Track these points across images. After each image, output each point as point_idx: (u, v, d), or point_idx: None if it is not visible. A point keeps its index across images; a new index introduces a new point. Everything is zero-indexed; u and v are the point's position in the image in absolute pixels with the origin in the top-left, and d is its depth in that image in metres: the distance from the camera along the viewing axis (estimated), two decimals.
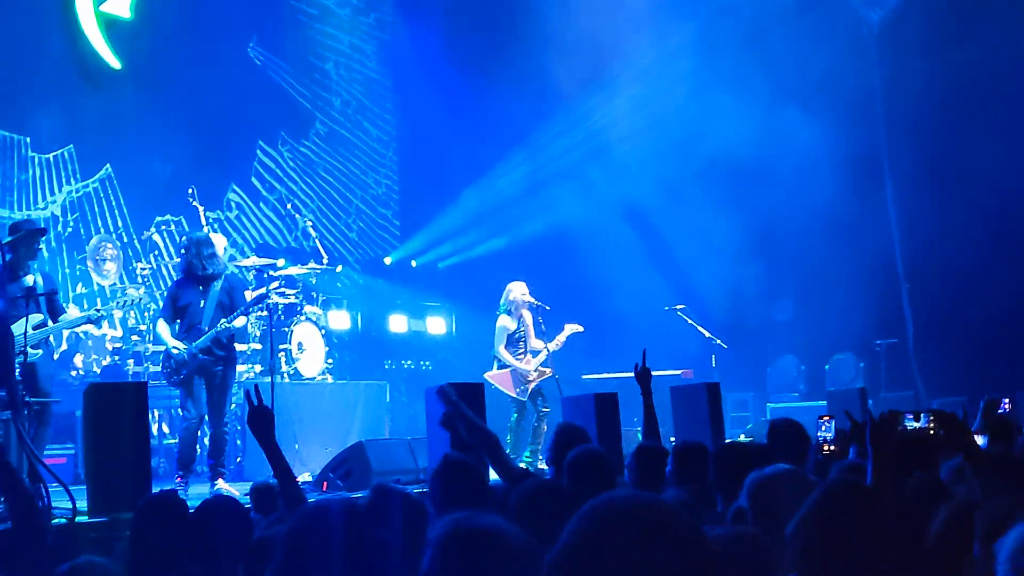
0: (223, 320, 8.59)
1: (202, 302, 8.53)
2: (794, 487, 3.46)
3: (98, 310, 8.33)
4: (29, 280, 7.85)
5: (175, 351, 8.37)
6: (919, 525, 3.29)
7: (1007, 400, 6.65)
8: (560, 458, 5.15)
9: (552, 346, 10.96)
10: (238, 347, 10.71)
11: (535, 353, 11.01)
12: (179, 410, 9.17)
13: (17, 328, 7.62)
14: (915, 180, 14.18)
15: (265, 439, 3.90)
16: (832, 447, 5.24)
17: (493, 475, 5.30)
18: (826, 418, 5.46)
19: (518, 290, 11.06)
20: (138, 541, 4.16)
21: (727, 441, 7.43)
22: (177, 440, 8.92)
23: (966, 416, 4.74)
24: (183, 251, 8.76)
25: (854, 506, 2.65)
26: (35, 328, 7.70)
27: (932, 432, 4.67)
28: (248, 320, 10.65)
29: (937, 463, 4.50)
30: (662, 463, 5.21)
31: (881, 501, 2.73)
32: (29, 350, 7.64)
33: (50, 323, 7.86)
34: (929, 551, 3.21)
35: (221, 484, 8.24)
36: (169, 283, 10.20)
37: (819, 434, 5.37)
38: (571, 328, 11.09)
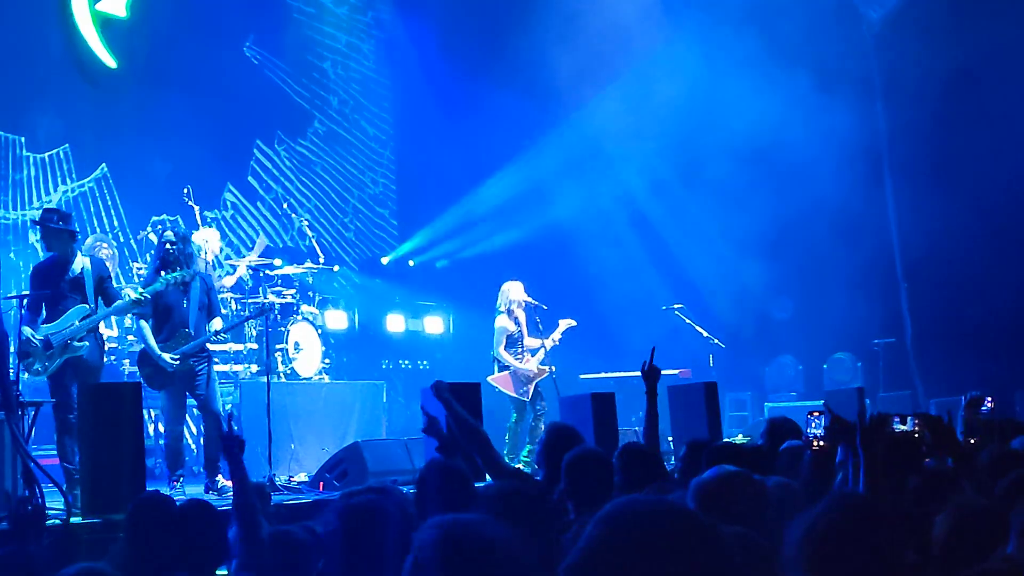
0: (221, 332, 8.57)
1: (185, 303, 8.40)
2: (737, 490, 3.43)
3: (143, 293, 8.14)
4: (77, 267, 7.84)
5: (171, 365, 8.24)
6: (924, 529, 3.27)
7: (990, 399, 6.58)
8: (552, 459, 5.12)
9: (549, 343, 10.97)
10: (234, 347, 10.73)
11: (533, 352, 11.01)
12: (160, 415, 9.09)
13: (64, 322, 7.66)
14: (915, 179, 14.17)
15: (236, 464, 3.91)
16: (822, 443, 5.22)
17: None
18: (816, 413, 5.43)
19: (515, 290, 11.07)
20: (130, 542, 4.14)
21: (720, 442, 7.38)
22: (164, 445, 8.82)
23: (951, 419, 4.72)
24: (168, 246, 8.43)
25: (861, 514, 2.63)
26: (81, 320, 7.69)
27: (917, 435, 4.65)
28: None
29: (923, 466, 4.48)
30: (649, 464, 5.17)
31: (884, 507, 2.70)
32: (75, 343, 7.65)
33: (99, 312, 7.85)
34: (936, 555, 3.20)
35: (223, 481, 8.15)
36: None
37: (809, 430, 5.35)
38: (565, 324, 11.10)
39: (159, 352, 8.25)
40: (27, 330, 7.55)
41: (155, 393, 8.63)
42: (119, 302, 7.99)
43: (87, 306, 7.71)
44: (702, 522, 1.87)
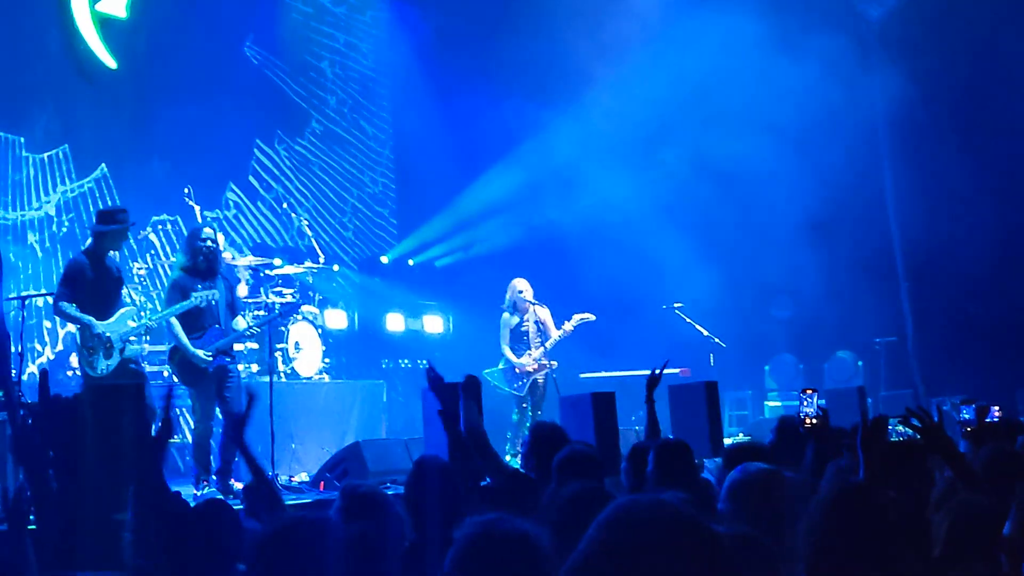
0: (251, 329, 8.60)
1: (214, 300, 8.46)
2: (771, 488, 3.43)
3: (184, 305, 8.30)
4: (113, 266, 8.07)
5: (205, 361, 8.24)
6: (926, 526, 3.27)
7: (997, 408, 6.54)
8: (539, 458, 5.11)
9: (551, 343, 10.93)
10: (235, 346, 10.71)
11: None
12: (190, 412, 9.08)
13: (118, 322, 7.84)
14: (915, 179, 14.15)
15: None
16: (814, 420, 5.26)
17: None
18: (809, 391, 5.45)
19: (518, 287, 11.08)
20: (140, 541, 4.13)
21: (738, 440, 7.40)
22: (191, 444, 8.77)
23: (941, 416, 4.71)
24: (202, 242, 8.45)
25: (862, 509, 2.63)
26: (132, 322, 7.91)
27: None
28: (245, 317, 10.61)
29: (924, 466, 4.45)
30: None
31: (887, 503, 2.70)
32: (130, 345, 7.86)
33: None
34: (939, 553, 3.20)
35: (236, 484, 8.13)
36: (166, 283, 10.02)
37: (802, 409, 5.37)
38: (578, 317, 11.06)
39: (192, 349, 8.25)
40: (100, 325, 7.71)
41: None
42: (168, 310, 8.20)
43: (133, 308, 7.88)
44: (701, 524, 1.87)
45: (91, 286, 7.85)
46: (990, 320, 13.22)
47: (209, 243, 8.47)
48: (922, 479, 4.30)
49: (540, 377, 10.95)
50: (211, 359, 8.25)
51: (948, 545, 3.34)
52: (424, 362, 14.50)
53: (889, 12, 14.51)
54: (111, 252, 8.08)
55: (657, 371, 6.48)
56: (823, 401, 5.61)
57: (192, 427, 8.64)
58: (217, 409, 8.58)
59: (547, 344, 10.92)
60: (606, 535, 1.85)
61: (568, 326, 10.98)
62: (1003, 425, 6.21)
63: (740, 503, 3.37)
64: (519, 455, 10.39)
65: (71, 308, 7.77)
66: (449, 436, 5.19)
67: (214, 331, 8.33)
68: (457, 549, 2.19)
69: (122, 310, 7.90)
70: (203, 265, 8.41)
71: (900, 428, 5.08)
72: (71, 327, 10.34)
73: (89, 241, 8.20)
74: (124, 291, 8.09)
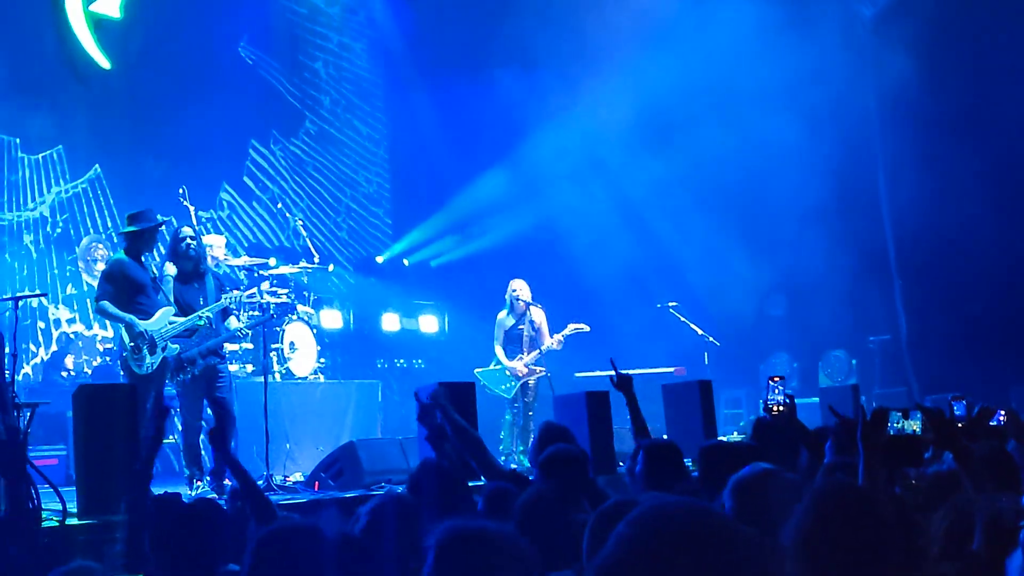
0: (242, 330, 8.59)
1: (201, 300, 8.37)
2: (778, 487, 3.45)
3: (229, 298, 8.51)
4: (152, 266, 8.11)
5: (191, 362, 8.23)
6: (917, 525, 3.27)
7: (1003, 412, 6.53)
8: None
9: (545, 347, 10.92)
10: (229, 347, 10.69)
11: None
12: (176, 410, 9.06)
13: (159, 321, 7.88)
14: (908, 177, 14.16)
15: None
16: (781, 408, 5.32)
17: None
18: (776, 379, 5.51)
19: (514, 287, 11.07)
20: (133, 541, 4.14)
21: (713, 440, 7.40)
22: (181, 443, 8.75)
23: (952, 413, 4.72)
24: (187, 242, 8.39)
25: (850, 508, 2.63)
26: (171, 321, 7.94)
27: (921, 431, 4.65)
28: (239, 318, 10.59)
29: (922, 461, 4.47)
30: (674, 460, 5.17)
31: (877, 501, 2.71)
32: (170, 344, 7.88)
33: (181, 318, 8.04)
34: (934, 552, 3.20)
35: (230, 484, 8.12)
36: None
37: (769, 397, 5.42)
38: (573, 327, 11.04)
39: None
40: (141, 324, 7.82)
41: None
42: (203, 310, 8.19)
43: (172, 308, 7.90)
44: (731, 524, 1.87)
45: (132, 286, 7.93)
46: (984, 317, 13.23)
47: (189, 241, 8.42)
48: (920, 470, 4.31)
49: (531, 380, 10.92)
50: (200, 360, 8.22)
51: (946, 543, 3.34)
52: (420, 362, 14.57)
53: (882, 10, 14.51)
54: (146, 253, 8.12)
55: (614, 375, 6.26)
56: (790, 390, 5.69)
57: (182, 428, 8.62)
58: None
59: (542, 348, 10.88)
60: (638, 534, 1.84)
61: (561, 336, 10.96)
62: (1009, 423, 6.19)
63: (743, 502, 3.39)
64: (510, 456, 10.42)
65: (112, 307, 7.86)
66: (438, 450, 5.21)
67: (203, 331, 8.30)
68: (432, 553, 2.24)
69: (162, 310, 7.95)
70: (189, 266, 8.38)
71: (897, 424, 5.11)
72: (67, 327, 10.32)
73: (123, 246, 8.22)
74: (160, 292, 8.10)
